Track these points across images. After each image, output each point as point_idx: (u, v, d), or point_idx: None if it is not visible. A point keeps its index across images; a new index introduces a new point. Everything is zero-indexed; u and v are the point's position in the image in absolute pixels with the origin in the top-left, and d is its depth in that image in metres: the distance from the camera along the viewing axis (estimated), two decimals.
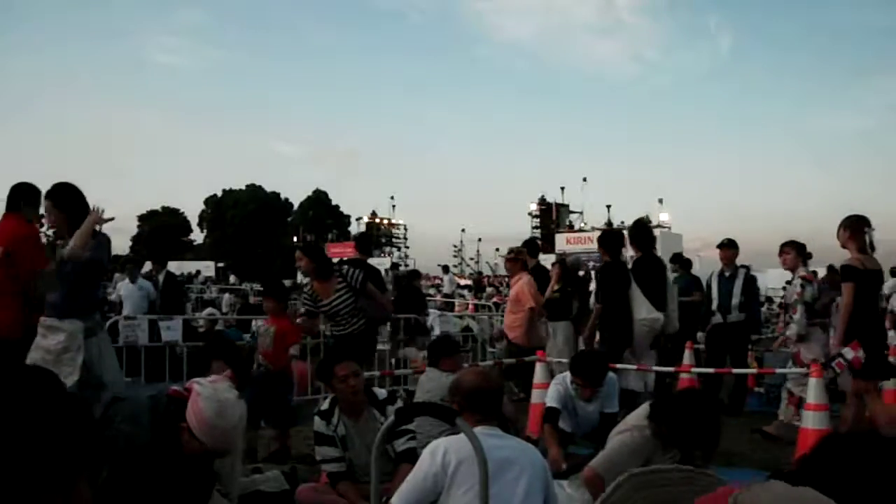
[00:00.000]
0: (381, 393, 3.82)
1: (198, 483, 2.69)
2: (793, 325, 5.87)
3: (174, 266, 22.54)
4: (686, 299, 9.15)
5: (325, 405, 3.71)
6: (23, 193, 4.66)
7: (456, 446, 2.48)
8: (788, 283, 6.43)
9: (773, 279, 16.65)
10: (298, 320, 5.87)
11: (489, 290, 20.18)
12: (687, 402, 3.34)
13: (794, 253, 6.21)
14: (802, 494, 0.88)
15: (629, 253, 6.46)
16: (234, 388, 2.71)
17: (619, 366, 5.34)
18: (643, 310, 5.74)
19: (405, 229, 47.33)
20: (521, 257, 7.65)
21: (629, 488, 2.22)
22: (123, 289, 8.66)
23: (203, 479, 2.73)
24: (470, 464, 2.38)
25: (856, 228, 5.19)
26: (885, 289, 11.20)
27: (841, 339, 5.09)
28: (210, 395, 2.55)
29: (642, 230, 6.49)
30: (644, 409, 3.52)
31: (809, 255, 6.51)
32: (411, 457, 3.25)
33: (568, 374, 4.59)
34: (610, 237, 6.31)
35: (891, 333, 9.03)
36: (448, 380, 3.48)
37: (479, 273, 28.99)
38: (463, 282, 28.58)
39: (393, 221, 46.55)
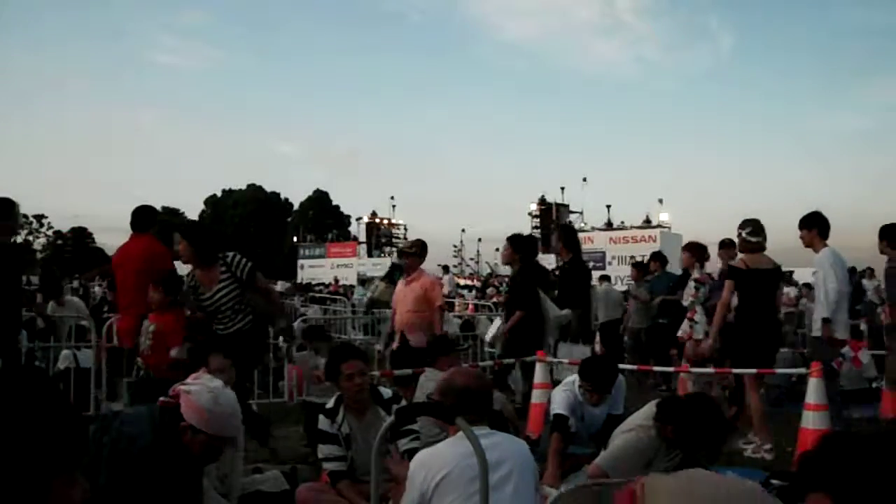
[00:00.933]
0: (387, 392, 3.82)
1: (193, 480, 2.71)
2: (697, 326, 6.28)
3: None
4: (671, 298, 9.19)
5: (330, 403, 3.72)
6: (152, 215, 5.45)
7: (436, 461, 2.47)
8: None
9: None
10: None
11: (489, 290, 20.22)
12: (693, 404, 3.35)
13: (688, 255, 6.65)
14: (701, 477, 0.89)
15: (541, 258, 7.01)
16: (216, 379, 2.75)
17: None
18: (554, 308, 6.28)
19: (405, 229, 47.24)
20: (422, 253, 6.87)
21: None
22: None
23: (197, 475, 2.75)
24: (455, 475, 2.39)
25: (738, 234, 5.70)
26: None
27: (715, 333, 5.51)
28: (200, 389, 2.59)
29: (573, 234, 6.81)
30: (649, 408, 3.53)
31: (706, 258, 6.91)
32: None
33: (576, 378, 4.49)
34: (525, 241, 6.60)
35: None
36: None
37: (490, 275, 28.85)
38: (463, 282, 28.55)
39: (393, 221, 46.48)
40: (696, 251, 6.77)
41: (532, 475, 2.62)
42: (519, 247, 6.56)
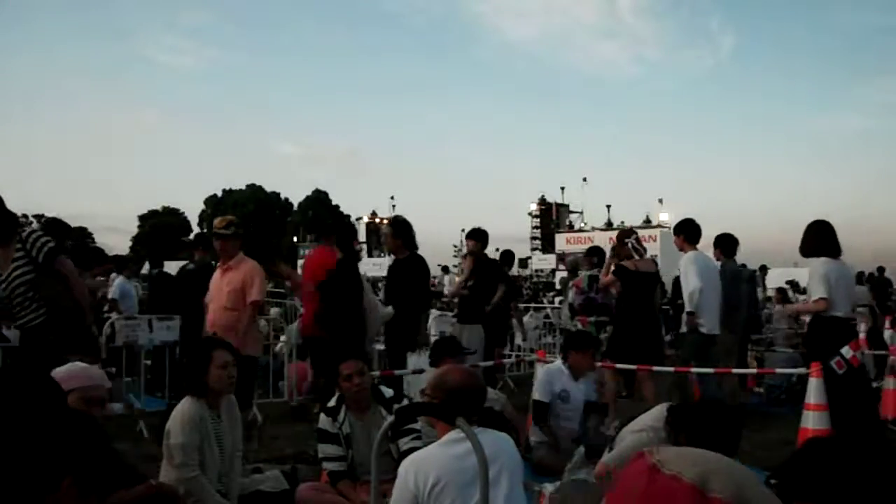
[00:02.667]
0: (388, 391, 3.81)
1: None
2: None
3: (174, 266, 22.48)
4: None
5: (332, 402, 3.72)
6: (343, 227, 5.93)
7: (426, 465, 2.46)
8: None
9: (773, 279, 16.68)
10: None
11: None
12: (707, 411, 3.26)
13: (587, 259, 8.12)
14: (714, 455, 0.90)
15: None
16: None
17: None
18: (379, 304, 6.07)
19: None
20: (241, 233, 5.72)
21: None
22: (121, 287, 8.63)
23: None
24: (450, 481, 2.38)
25: (619, 241, 6.40)
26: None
27: None
28: (56, 371, 2.81)
29: (408, 229, 6.01)
30: (660, 410, 3.50)
31: (592, 264, 7.99)
32: None
33: (557, 364, 4.92)
34: (347, 229, 6.30)
35: (888, 333, 9.06)
36: None
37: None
38: None
39: None
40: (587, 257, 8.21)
41: (520, 472, 2.63)
42: (343, 235, 5.86)
